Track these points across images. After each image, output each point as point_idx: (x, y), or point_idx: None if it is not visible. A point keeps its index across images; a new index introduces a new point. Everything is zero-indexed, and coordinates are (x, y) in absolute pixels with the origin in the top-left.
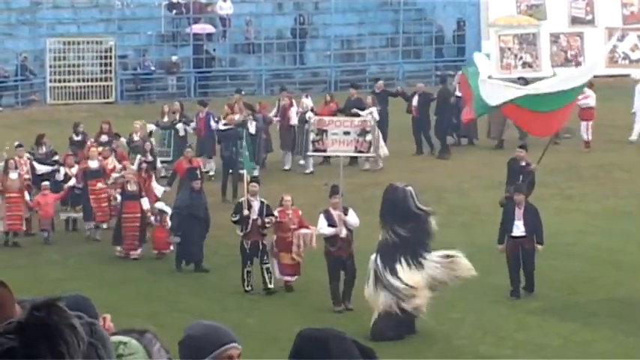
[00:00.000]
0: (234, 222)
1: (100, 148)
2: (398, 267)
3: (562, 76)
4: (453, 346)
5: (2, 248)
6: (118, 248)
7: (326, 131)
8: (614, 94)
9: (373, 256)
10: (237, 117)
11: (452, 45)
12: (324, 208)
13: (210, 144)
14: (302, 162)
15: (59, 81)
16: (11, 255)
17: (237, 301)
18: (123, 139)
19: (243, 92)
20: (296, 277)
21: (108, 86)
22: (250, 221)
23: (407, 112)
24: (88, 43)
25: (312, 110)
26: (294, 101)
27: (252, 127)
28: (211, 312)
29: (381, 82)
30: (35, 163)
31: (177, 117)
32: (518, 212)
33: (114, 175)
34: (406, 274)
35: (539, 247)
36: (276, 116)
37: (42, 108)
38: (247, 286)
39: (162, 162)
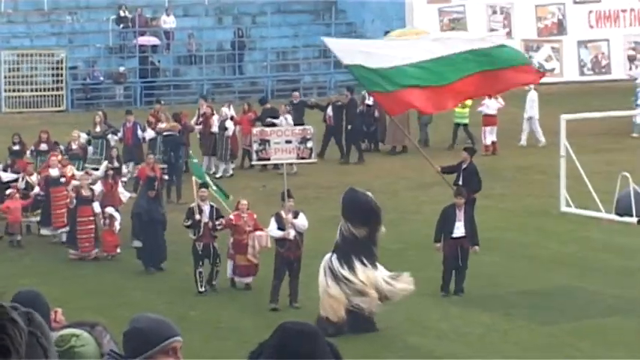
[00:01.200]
0: (187, 226)
1: (60, 157)
2: (355, 264)
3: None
4: (382, 336)
5: None
6: (72, 251)
7: (268, 141)
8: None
9: (328, 255)
10: (163, 125)
11: None
12: (262, 208)
13: (137, 151)
14: (223, 166)
15: (13, 91)
16: None
17: (181, 296)
18: (61, 147)
19: (162, 102)
20: (252, 277)
21: (59, 95)
22: (202, 225)
23: (323, 121)
24: (40, 55)
25: (231, 119)
26: (214, 110)
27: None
28: (156, 305)
29: (296, 93)
30: (1, 172)
31: (104, 125)
32: (459, 214)
33: (74, 182)
34: (360, 272)
35: (476, 248)
36: (197, 124)
37: None
38: (201, 287)
39: (93, 169)
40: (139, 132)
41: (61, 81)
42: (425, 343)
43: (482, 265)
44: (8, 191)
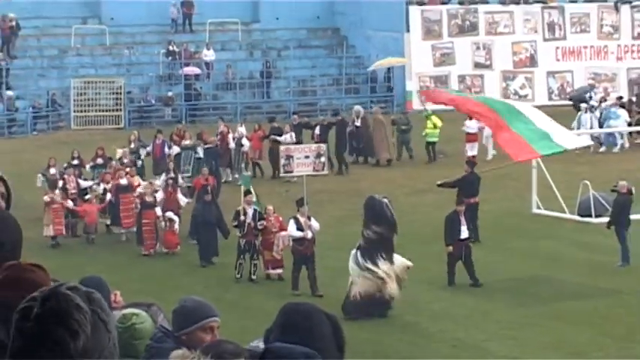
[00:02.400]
0: (235, 226)
1: (128, 169)
2: (377, 259)
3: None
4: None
5: (43, 246)
6: (144, 250)
7: (292, 157)
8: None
9: (354, 251)
10: (187, 142)
11: (383, 84)
12: (285, 211)
13: (164, 164)
14: (237, 176)
15: (81, 111)
16: (51, 250)
17: (218, 281)
18: (114, 162)
19: (184, 123)
20: (278, 270)
21: (118, 115)
22: (246, 225)
23: (311, 139)
24: (103, 82)
25: (246, 137)
26: (230, 129)
27: (200, 152)
28: (197, 289)
29: (295, 116)
30: (80, 180)
31: (138, 142)
32: (462, 219)
33: (139, 189)
34: (382, 265)
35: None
36: (217, 141)
37: (67, 132)
38: (238, 274)
39: None
40: (166, 148)
41: (120, 103)
42: (420, 321)
43: None
44: (87, 196)
